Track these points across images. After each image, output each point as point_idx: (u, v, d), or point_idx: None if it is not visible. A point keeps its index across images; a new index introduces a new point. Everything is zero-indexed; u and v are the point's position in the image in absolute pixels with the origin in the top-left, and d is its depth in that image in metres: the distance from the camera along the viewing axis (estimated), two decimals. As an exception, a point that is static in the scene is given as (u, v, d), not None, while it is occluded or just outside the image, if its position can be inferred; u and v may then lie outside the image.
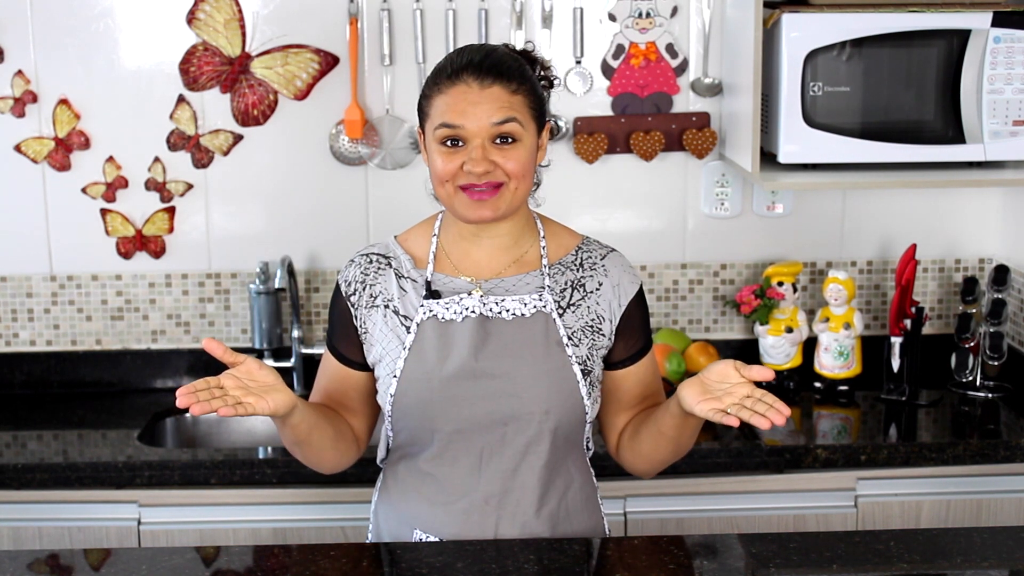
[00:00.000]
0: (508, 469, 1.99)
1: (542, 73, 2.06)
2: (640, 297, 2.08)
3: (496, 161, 1.93)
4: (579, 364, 2.00)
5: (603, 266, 2.07)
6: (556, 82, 2.11)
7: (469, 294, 2.00)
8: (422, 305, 2.00)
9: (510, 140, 1.94)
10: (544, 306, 2.00)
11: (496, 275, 2.03)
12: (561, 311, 2.01)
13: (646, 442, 2.06)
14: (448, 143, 1.94)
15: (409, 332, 2.00)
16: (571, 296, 2.03)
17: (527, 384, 1.97)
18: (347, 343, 2.07)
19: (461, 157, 1.93)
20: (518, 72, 1.97)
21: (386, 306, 2.02)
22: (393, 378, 2.00)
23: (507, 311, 1.99)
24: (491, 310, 1.99)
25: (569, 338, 2.00)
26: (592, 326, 2.02)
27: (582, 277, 2.05)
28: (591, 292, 2.04)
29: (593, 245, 2.10)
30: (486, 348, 1.97)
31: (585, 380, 2.00)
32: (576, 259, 2.06)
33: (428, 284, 2.02)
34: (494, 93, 1.93)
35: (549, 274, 2.03)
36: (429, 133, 1.97)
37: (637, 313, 2.08)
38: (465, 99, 1.93)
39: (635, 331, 2.08)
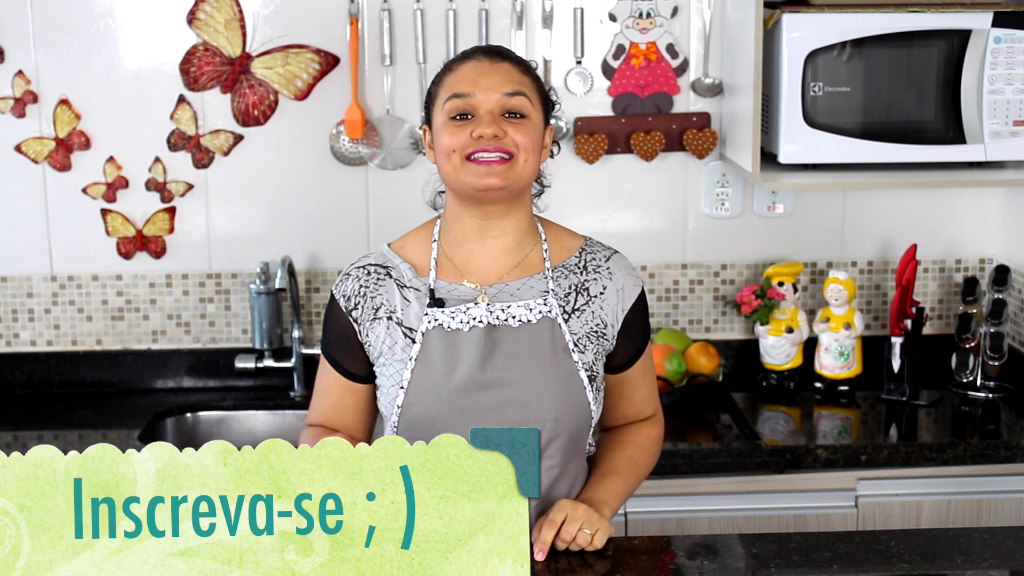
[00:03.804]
0: None
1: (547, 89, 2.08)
2: (642, 300, 2.08)
3: (506, 130, 1.93)
4: (586, 370, 2.00)
5: (607, 268, 2.05)
6: (558, 106, 2.11)
7: (475, 303, 1.98)
8: (426, 314, 1.98)
9: (519, 116, 1.95)
10: (550, 311, 1.99)
11: (499, 279, 2.01)
12: (566, 316, 2.00)
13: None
14: (457, 117, 1.94)
15: (414, 343, 1.98)
16: (575, 301, 2.02)
17: (536, 392, 1.96)
18: (352, 359, 2.04)
19: (470, 128, 1.93)
20: (526, 61, 2.01)
21: (388, 318, 2.00)
22: (400, 389, 1.98)
23: (513, 318, 1.98)
24: (497, 318, 1.98)
25: (575, 344, 2.00)
26: (597, 331, 2.02)
27: (586, 281, 2.03)
28: (595, 296, 2.03)
29: (596, 247, 2.09)
30: (493, 358, 1.96)
31: (591, 386, 2.00)
32: (580, 262, 2.05)
33: (432, 292, 2.00)
34: (505, 67, 1.96)
35: (552, 277, 2.02)
36: (438, 111, 1.97)
37: (638, 317, 2.07)
38: (476, 71, 1.95)
39: (636, 335, 2.08)
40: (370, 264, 2.04)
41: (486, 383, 1.95)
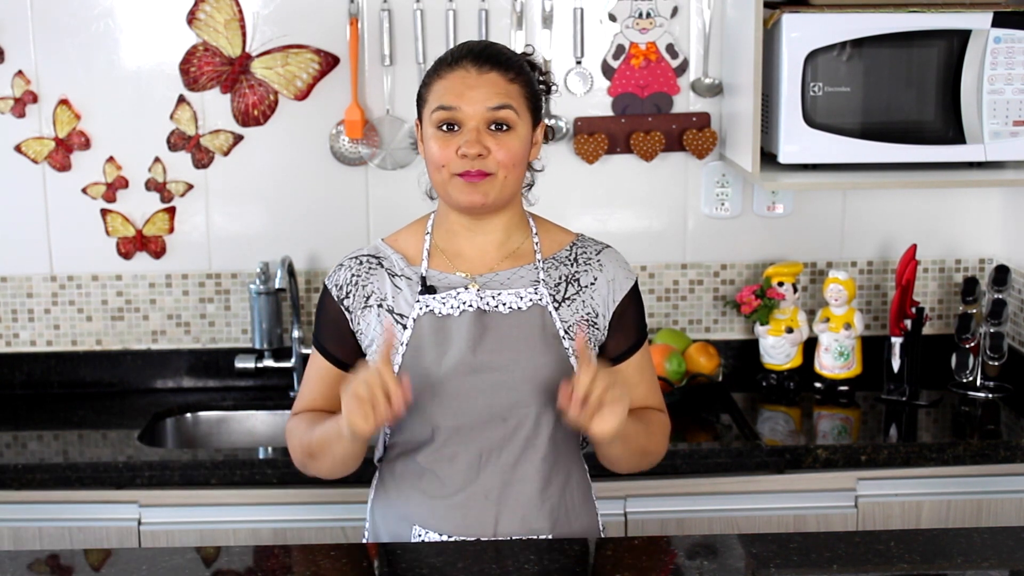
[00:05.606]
0: (508, 463, 1.99)
1: (540, 77, 2.08)
2: (635, 293, 2.09)
3: (489, 147, 1.95)
4: (576, 357, 2.00)
5: (598, 261, 2.07)
6: (555, 88, 2.13)
7: (466, 288, 2.00)
8: (418, 301, 2.00)
9: (504, 127, 1.96)
10: (540, 299, 2.01)
11: (490, 269, 2.04)
12: (556, 304, 2.02)
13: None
14: (444, 127, 1.97)
15: (405, 329, 2.00)
16: (565, 290, 2.04)
17: (526, 377, 1.97)
18: (343, 348, 2.06)
19: (457, 142, 1.95)
20: (516, 63, 2.01)
21: (379, 305, 2.02)
22: None
23: (504, 304, 2.00)
24: (488, 304, 2.00)
25: (566, 332, 2.01)
26: (587, 320, 2.03)
27: (576, 272, 2.05)
28: (586, 287, 2.05)
29: (588, 241, 2.11)
30: (484, 342, 1.98)
31: None
32: (571, 254, 2.08)
33: (423, 279, 2.02)
34: (491, 79, 1.96)
35: (543, 268, 2.04)
36: (426, 118, 2.00)
37: (631, 308, 2.08)
38: (463, 83, 1.96)
39: (629, 327, 2.08)
40: (362, 255, 2.08)
41: (477, 367, 1.97)
